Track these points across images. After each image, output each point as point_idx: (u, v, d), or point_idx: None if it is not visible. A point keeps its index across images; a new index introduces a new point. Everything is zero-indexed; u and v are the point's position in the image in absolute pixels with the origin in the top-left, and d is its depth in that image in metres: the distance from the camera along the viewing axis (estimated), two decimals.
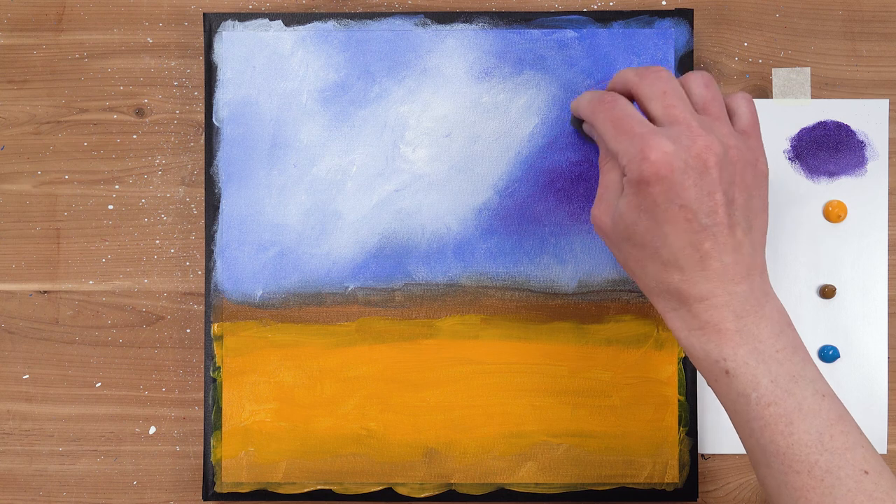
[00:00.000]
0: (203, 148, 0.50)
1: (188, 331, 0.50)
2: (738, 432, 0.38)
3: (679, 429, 0.48)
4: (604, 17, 0.48)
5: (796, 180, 0.49)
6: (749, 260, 0.38)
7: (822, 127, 0.49)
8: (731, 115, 0.41)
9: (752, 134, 0.40)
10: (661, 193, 0.36)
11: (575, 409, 0.48)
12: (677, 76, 0.48)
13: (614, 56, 0.48)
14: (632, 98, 0.41)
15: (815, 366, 0.38)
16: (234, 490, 0.48)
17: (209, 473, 0.48)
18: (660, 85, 0.39)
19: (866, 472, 0.35)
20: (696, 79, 0.40)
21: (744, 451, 0.49)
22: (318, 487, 0.48)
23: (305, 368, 0.48)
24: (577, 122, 0.47)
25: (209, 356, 0.48)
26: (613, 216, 0.39)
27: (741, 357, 0.37)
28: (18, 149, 0.51)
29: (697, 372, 0.48)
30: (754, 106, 0.41)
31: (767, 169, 0.39)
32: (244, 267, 0.49)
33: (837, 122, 0.49)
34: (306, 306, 0.48)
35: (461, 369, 0.48)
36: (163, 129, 0.50)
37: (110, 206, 0.50)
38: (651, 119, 0.39)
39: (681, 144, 0.36)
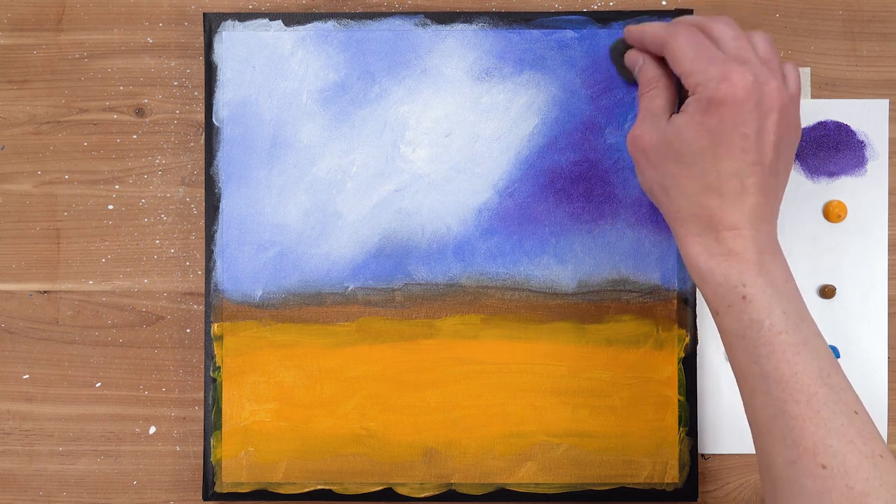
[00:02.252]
0: (203, 148, 0.50)
1: (188, 331, 0.50)
2: (738, 362, 0.39)
3: (679, 429, 0.48)
4: (604, 17, 0.48)
5: (796, 180, 0.49)
6: (776, 208, 0.41)
7: (822, 127, 0.49)
8: None
9: (797, 100, 0.42)
10: (729, 116, 0.39)
11: (575, 409, 0.48)
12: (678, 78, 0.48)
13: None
14: None
15: (811, 317, 0.40)
16: (234, 490, 0.48)
17: (209, 473, 0.48)
18: (731, 30, 0.41)
19: (856, 413, 0.37)
20: (760, 36, 0.41)
21: (744, 452, 0.49)
22: (318, 487, 0.48)
23: (305, 368, 0.48)
24: (620, 50, 0.46)
25: (209, 356, 0.48)
26: (666, 132, 0.41)
27: (760, 285, 0.39)
28: (18, 149, 0.51)
29: (698, 372, 0.48)
30: (800, 78, 0.42)
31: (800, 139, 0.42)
32: (244, 267, 0.49)
33: (837, 122, 0.49)
34: (306, 306, 0.48)
35: (461, 369, 0.48)
36: (163, 129, 0.50)
37: (110, 206, 0.50)
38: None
39: (758, 80, 0.39)
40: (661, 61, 0.43)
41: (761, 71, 0.39)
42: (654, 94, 0.43)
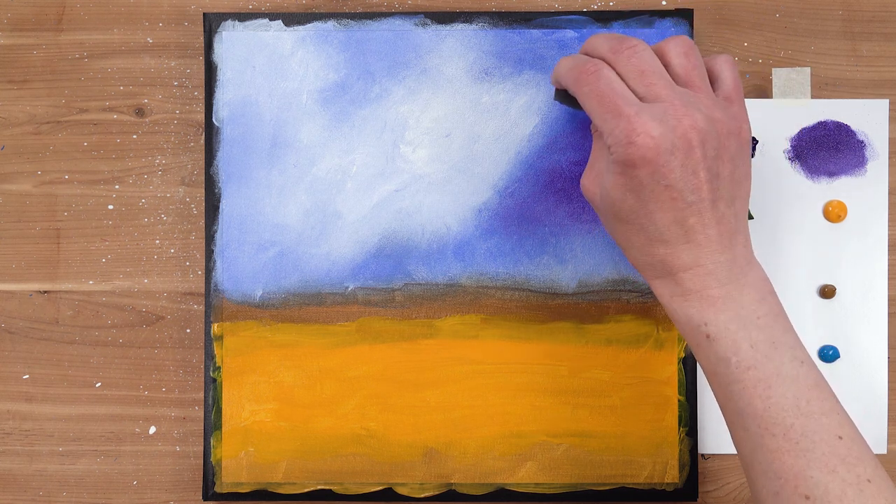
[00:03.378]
0: (203, 148, 0.50)
1: (188, 331, 0.50)
2: (717, 397, 0.39)
3: (679, 429, 0.48)
4: (604, 17, 0.48)
5: (796, 180, 0.49)
6: (732, 229, 0.38)
7: (822, 127, 0.49)
8: (712, 79, 0.40)
9: (735, 100, 0.39)
10: (647, 175, 0.37)
11: (575, 409, 0.48)
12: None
13: None
14: None
15: (795, 333, 0.39)
16: (234, 490, 0.48)
17: (209, 473, 0.48)
18: (636, 62, 0.38)
19: (840, 438, 0.36)
20: (675, 47, 0.39)
21: None
22: (318, 487, 0.48)
23: (305, 368, 0.48)
24: (563, 95, 0.43)
25: (209, 356, 0.48)
26: (601, 191, 0.40)
27: (722, 322, 0.38)
28: (18, 149, 0.51)
29: (698, 372, 0.48)
30: (736, 69, 0.40)
31: (750, 133, 0.39)
32: (244, 267, 0.49)
33: (837, 122, 0.49)
34: (306, 306, 0.48)
35: (461, 369, 0.48)
36: (163, 129, 0.50)
37: (110, 206, 0.50)
38: (633, 93, 0.38)
39: (667, 125, 0.36)
40: None
41: (671, 110, 0.36)
42: (597, 136, 0.41)
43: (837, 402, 0.37)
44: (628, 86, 0.38)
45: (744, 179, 0.39)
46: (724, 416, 0.39)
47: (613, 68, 0.38)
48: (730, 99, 0.39)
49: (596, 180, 0.40)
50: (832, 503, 0.35)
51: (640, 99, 0.38)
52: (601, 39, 0.40)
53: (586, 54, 0.40)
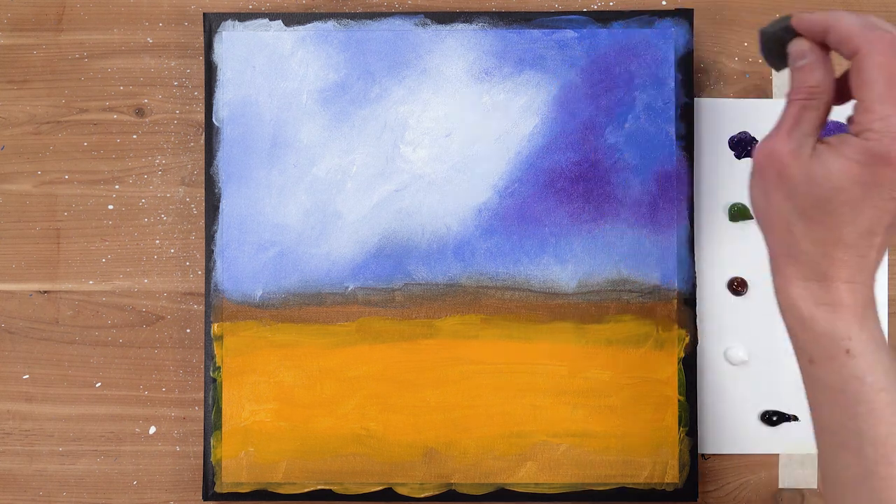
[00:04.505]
0: (203, 148, 0.50)
1: (188, 331, 0.50)
2: (830, 415, 0.37)
3: (679, 429, 0.48)
4: (604, 17, 0.48)
5: None
6: (881, 265, 0.38)
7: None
8: None
9: None
10: (889, 180, 0.34)
11: (575, 409, 0.48)
12: (678, 78, 0.48)
13: (614, 56, 0.48)
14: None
15: None
16: (234, 490, 0.48)
17: (209, 473, 0.48)
18: None
19: None
20: None
21: (744, 452, 0.49)
22: (318, 487, 0.48)
23: (305, 368, 0.48)
24: (775, 39, 0.37)
25: (209, 356, 0.48)
26: (810, 167, 0.36)
27: (864, 340, 0.37)
28: (18, 149, 0.51)
29: (698, 372, 0.48)
30: None
31: None
32: (244, 267, 0.49)
33: (837, 122, 0.49)
34: (306, 306, 0.48)
35: (461, 369, 0.48)
36: (163, 129, 0.50)
37: (110, 206, 0.50)
38: None
39: None
40: (830, 64, 0.36)
41: None
42: (810, 105, 0.36)
43: None
44: None
45: None
46: (826, 439, 0.37)
47: None
48: None
49: (798, 152, 0.36)
50: None
51: None
52: None
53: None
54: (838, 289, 0.37)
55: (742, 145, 0.49)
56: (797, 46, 0.37)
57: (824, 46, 0.36)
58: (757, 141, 0.49)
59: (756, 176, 0.37)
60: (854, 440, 0.36)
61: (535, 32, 0.48)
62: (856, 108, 0.35)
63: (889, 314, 0.49)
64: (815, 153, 0.36)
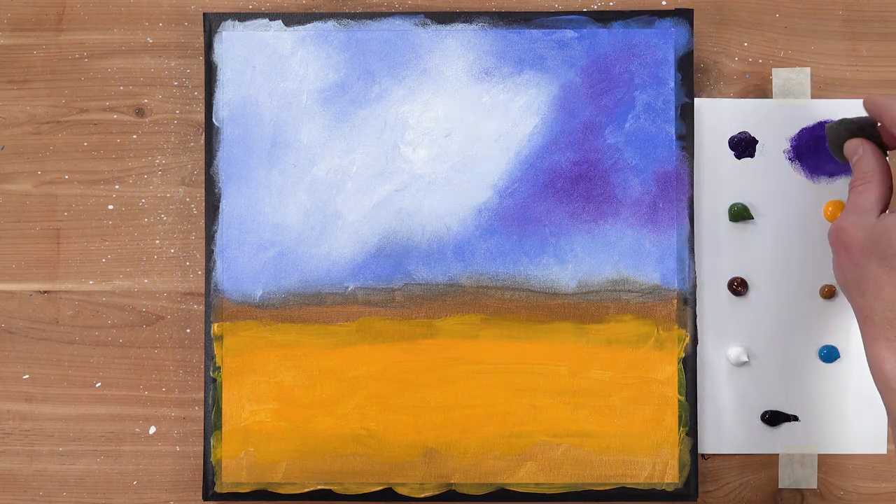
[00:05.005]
0: (203, 148, 0.50)
1: (188, 331, 0.50)
2: None
3: (679, 429, 0.48)
4: (604, 17, 0.48)
5: (796, 180, 0.49)
6: None
7: (822, 127, 0.49)
8: None
9: None
10: None
11: (575, 409, 0.48)
12: (678, 78, 0.48)
13: (614, 56, 0.48)
14: None
15: None
16: (234, 490, 0.48)
17: (209, 473, 0.48)
18: None
19: None
20: None
21: (744, 452, 0.49)
22: (318, 487, 0.48)
23: (305, 368, 0.48)
24: (841, 134, 0.44)
25: (209, 356, 0.48)
26: (873, 231, 0.40)
27: None
28: (18, 149, 0.51)
29: (698, 372, 0.48)
30: None
31: None
32: (244, 267, 0.49)
33: None
34: (306, 306, 0.48)
35: (461, 369, 0.48)
36: (163, 129, 0.50)
37: (110, 206, 0.50)
38: None
39: None
40: (881, 155, 0.42)
41: None
42: (866, 188, 0.41)
43: None
44: None
45: None
46: None
47: None
48: None
49: (860, 223, 0.41)
50: None
51: None
52: None
53: None
54: None
55: (742, 145, 0.49)
56: (850, 146, 0.43)
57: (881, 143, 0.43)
58: (757, 141, 0.49)
59: (833, 254, 0.42)
60: None
61: (535, 32, 0.48)
62: None
63: None
64: (878, 219, 0.40)
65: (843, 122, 0.44)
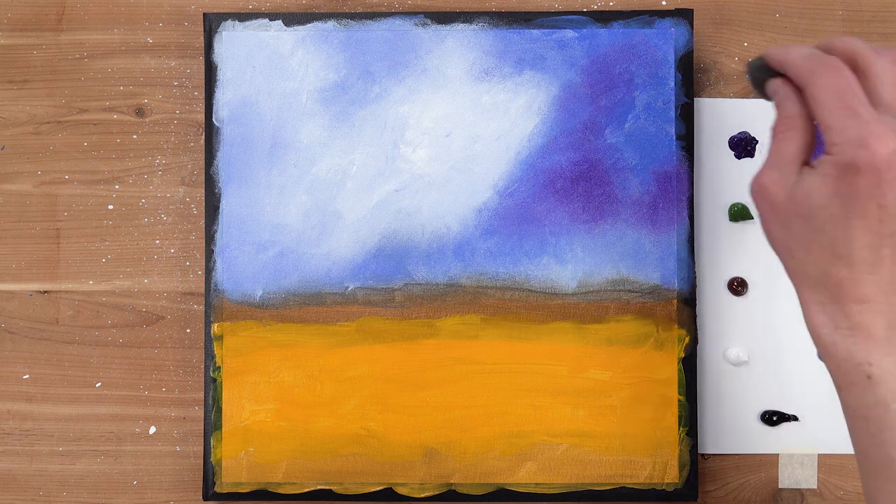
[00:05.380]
0: (203, 148, 0.50)
1: (188, 331, 0.50)
2: (859, 441, 0.37)
3: (679, 429, 0.48)
4: (604, 17, 0.48)
5: None
6: None
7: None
8: None
9: None
10: (866, 186, 0.35)
11: (575, 409, 0.48)
12: (678, 78, 0.48)
13: (614, 56, 0.48)
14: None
15: None
16: (234, 490, 0.48)
17: (209, 473, 0.48)
18: (893, 70, 0.36)
19: None
20: None
21: (744, 452, 0.49)
22: (319, 487, 0.48)
23: (305, 368, 0.48)
24: (760, 75, 0.40)
25: (209, 356, 0.48)
26: (794, 190, 0.37)
27: (887, 365, 0.36)
28: (18, 149, 0.51)
29: (698, 372, 0.48)
30: None
31: None
32: (244, 267, 0.49)
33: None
34: (306, 306, 0.48)
35: (461, 369, 0.48)
36: (163, 129, 0.50)
37: (110, 206, 0.50)
38: (872, 100, 0.36)
39: None
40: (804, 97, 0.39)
41: None
42: (788, 136, 0.38)
43: None
44: (878, 90, 0.36)
45: None
46: (862, 464, 0.37)
47: (870, 68, 0.37)
48: None
49: (781, 180, 0.37)
50: None
51: (880, 107, 0.36)
52: (856, 41, 0.38)
53: (830, 52, 0.38)
54: (852, 311, 0.36)
55: (742, 145, 0.49)
56: (772, 85, 0.40)
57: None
58: (757, 141, 0.49)
59: (758, 212, 0.39)
60: (886, 469, 0.35)
61: (535, 32, 0.48)
62: (821, 132, 0.36)
63: None
64: (798, 177, 0.37)
65: (760, 59, 0.41)
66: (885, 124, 0.35)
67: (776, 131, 0.39)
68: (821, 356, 0.38)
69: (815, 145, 0.38)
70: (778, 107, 0.39)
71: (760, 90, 0.41)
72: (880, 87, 0.36)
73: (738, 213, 0.49)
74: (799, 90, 0.38)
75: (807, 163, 0.38)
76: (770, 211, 0.38)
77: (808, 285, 0.38)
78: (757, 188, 0.38)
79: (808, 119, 0.38)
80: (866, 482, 0.37)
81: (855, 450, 0.37)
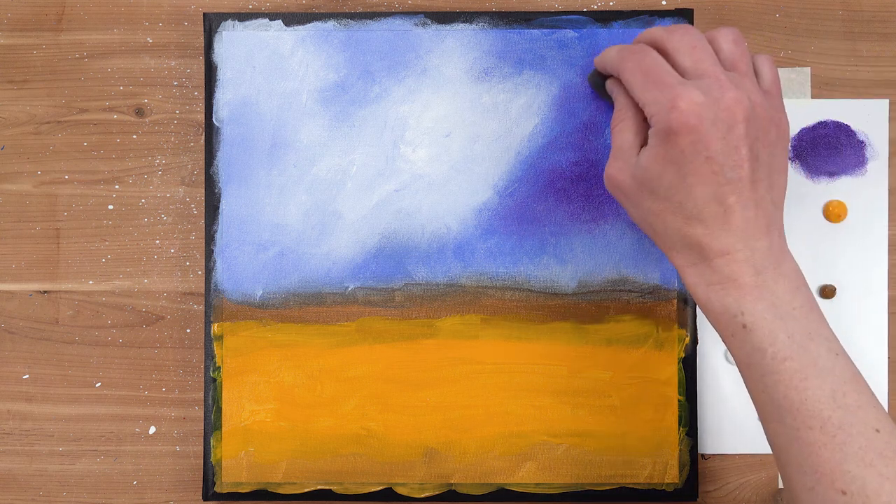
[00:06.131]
0: (203, 148, 0.50)
1: (188, 331, 0.50)
2: (749, 389, 0.38)
3: (679, 429, 0.48)
4: (604, 17, 0.48)
5: (796, 180, 0.49)
6: (770, 216, 0.38)
7: (823, 127, 0.49)
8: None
9: (774, 94, 0.40)
10: (688, 144, 0.37)
11: (575, 409, 0.48)
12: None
13: None
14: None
15: (829, 326, 0.38)
16: (234, 490, 0.48)
17: (209, 473, 0.48)
18: (688, 39, 0.39)
19: (877, 431, 0.35)
20: (725, 35, 0.40)
21: (744, 452, 0.49)
22: (318, 487, 0.48)
23: (305, 368, 0.48)
24: (597, 81, 0.46)
25: (209, 356, 0.48)
26: (634, 171, 0.40)
27: (759, 312, 0.37)
28: (18, 149, 0.51)
29: (698, 372, 0.48)
30: (776, 67, 0.41)
31: (788, 129, 0.40)
32: (244, 267, 0.49)
33: (837, 122, 0.49)
34: (306, 306, 0.48)
35: (461, 369, 0.48)
36: (163, 129, 0.50)
37: (110, 206, 0.50)
38: (680, 73, 0.39)
39: (710, 96, 0.37)
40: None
41: (716, 84, 0.37)
42: (622, 126, 0.41)
43: (873, 395, 0.37)
44: (678, 61, 0.39)
45: (782, 171, 0.39)
46: (756, 409, 0.38)
47: (666, 46, 0.40)
48: (770, 93, 0.40)
49: (624, 166, 0.40)
50: (869, 498, 0.34)
51: (687, 75, 0.39)
52: (657, 27, 0.41)
53: (639, 42, 0.42)
54: (718, 265, 0.38)
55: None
56: (609, 86, 0.44)
57: None
58: None
59: (618, 201, 0.42)
60: (773, 411, 0.37)
61: (535, 32, 0.48)
62: (643, 110, 0.39)
63: (889, 314, 0.49)
64: (637, 159, 0.40)
65: (595, 64, 0.45)
66: (688, 85, 0.37)
67: (614, 124, 0.42)
68: (705, 315, 0.40)
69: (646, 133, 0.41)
70: (615, 99, 0.43)
71: (603, 95, 0.46)
72: (679, 58, 0.39)
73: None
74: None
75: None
76: (622, 196, 0.41)
77: (675, 251, 0.40)
78: (607, 180, 0.42)
79: (638, 108, 0.41)
80: (764, 427, 0.38)
81: (751, 399, 0.39)
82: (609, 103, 0.46)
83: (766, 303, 0.37)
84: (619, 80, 0.42)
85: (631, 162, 0.40)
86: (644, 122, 0.41)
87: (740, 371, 0.39)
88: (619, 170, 0.41)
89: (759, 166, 0.38)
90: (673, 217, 0.39)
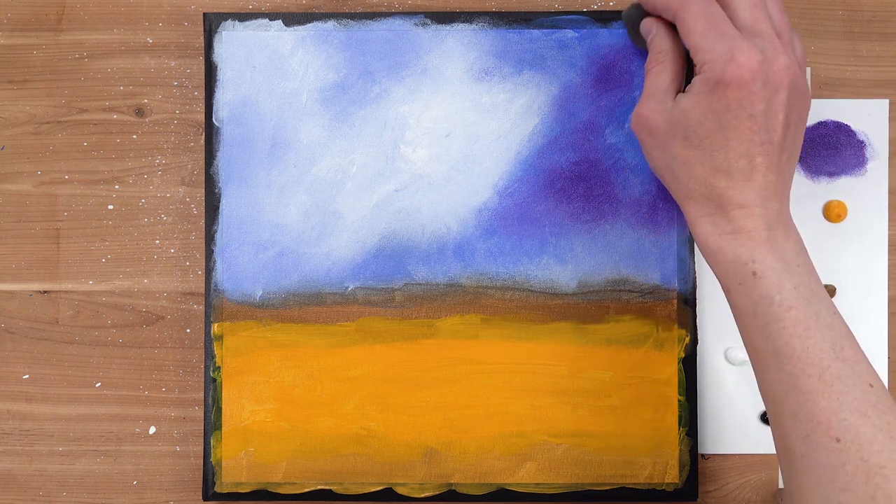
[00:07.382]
0: (203, 148, 0.50)
1: (188, 331, 0.50)
2: (750, 338, 0.39)
3: (679, 429, 0.48)
4: (604, 17, 0.48)
5: (796, 180, 0.49)
6: (785, 184, 0.40)
7: (822, 127, 0.49)
8: None
9: (805, 69, 0.41)
10: (736, 99, 0.38)
11: (575, 409, 0.48)
12: None
13: (614, 56, 0.48)
14: None
15: (825, 290, 0.40)
16: (234, 490, 0.48)
17: (209, 473, 0.48)
18: None
19: (871, 386, 0.37)
20: (772, 3, 0.41)
21: (744, 452, 0.49)
22: (318, 487, 0.48)
23: (305, 368, 0.48)
24: (634, 18, 0.45)
25: (209, 356, 0.48)
26: (671, 114, 0.40)
27: (769, 262, 0.39)
28: (18, 149, 0.51)
29: (698, 372, 0.48)
30: (803, 46, 0.43)
31: (808, 111, 0.41)
32: (244, 267, 0.49)
33: (837, 122, 0.49)
34: (306, 306, 0.48)
35: (461, 369, 0.48)
36: (163, 129, 0.50)
37: (110, 206, 0.50)
38: (736, 26, 0.40)
39: (766, 57, 0.38)
40: (675, 33, 0.42)
41: (771, 46, 0.38)
42: (661, 69, 0.42)
43: (865, 355, 0.38)
44: (736, 15, 0.40)
45: (799, 148, 0.41)
46: (754, 361, 0.39)
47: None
48: (803, 70, 0.41)
49: (658, 107, 0.41)
50: (863, 447, 0.35)
51: (742, 30, 0.39)
52: None
53: None
54: (734, 216, 0.39)
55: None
56: (645, 25, 0.44)
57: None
58: None
59: (640, 141, 0.43)
60: (774, 359, 0.38)
61: (535, 32, 0.48)
62: (692, 57, 0.40)
63: (889, 314, 0.49)
64: (674, 102, 0.40)
65: (637, 4, 0.45)
66: (749, 41, 0.38)
67: (649, 66, 0.42)
68: (710, 266, 0.41)
69: (684, 79, 0.42)
70: (651, 44, 0.43)
71: (635, 34, 0.46)
72: (740, 13, 0.40)
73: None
74: (668, 28, 0.42)
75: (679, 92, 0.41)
76: (650, 137, 0.42)
77: (691, 200, 0.41)
78: (636, 119, 0.42)
79: (678, 53, 0.42)
80: (759, 377, 0.40)
81: (747, 350, 0.40)
82: (635, 46, 0.46)
83: (775, 256, 0.39)
84: (661, 22, 0.43)
85: (667, 105, 0.41)
86: (682, 70, 0.42)
87: (741, 321, 0.40)
88: (652, 110, 0.41)
89: (789, 135, 0.39)
90: (700, 165, 0.40)
